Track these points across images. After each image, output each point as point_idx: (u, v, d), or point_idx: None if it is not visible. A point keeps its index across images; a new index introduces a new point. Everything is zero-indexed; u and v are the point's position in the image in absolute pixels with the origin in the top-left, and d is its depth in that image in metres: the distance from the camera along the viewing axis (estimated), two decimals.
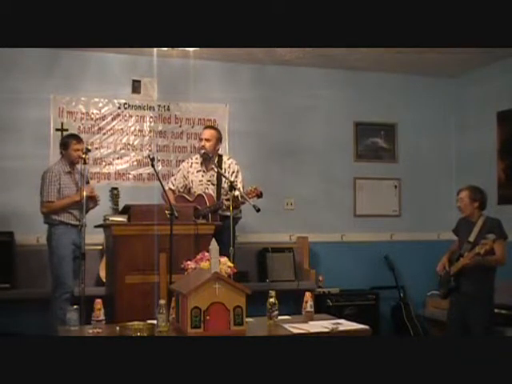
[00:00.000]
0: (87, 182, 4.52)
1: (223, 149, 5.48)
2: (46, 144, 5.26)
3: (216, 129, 4.97)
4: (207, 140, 4.76)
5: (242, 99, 5.85)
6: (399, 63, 5.94)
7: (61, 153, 4.60)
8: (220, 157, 4.83)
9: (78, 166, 4.57)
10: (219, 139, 4.83)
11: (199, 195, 4.67)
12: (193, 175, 4.83)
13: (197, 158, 4.89)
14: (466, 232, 4.21)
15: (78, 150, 4.51)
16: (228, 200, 4.36)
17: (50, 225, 4.49)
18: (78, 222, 4.49)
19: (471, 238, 4.12)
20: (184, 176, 4.87)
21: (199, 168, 4.83)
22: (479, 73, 6.13)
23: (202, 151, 4.77)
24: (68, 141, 4.57)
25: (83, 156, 4.39)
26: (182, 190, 4.85)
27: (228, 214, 4.45)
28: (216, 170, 4.68)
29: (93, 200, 4.53)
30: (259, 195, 4.25)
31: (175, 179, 4.93)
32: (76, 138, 4.64)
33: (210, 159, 4.74)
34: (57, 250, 4.41)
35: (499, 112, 5.81)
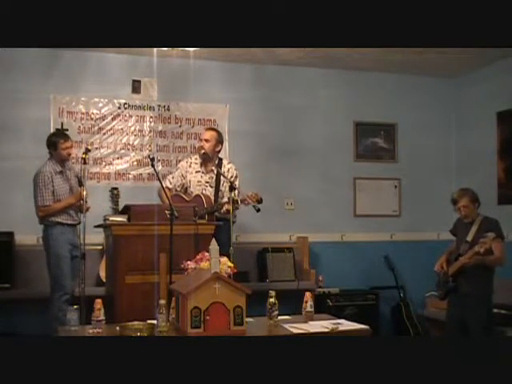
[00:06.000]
0: (80, 185, 4.48)
1: (223, 149, 5.47)
2: (45, 144, 5.26)
3: (217, 130, 4.97)
4: (207, 141, 4.77)
5: (242, 99, 5.85)
6: (399, 63, 5.94)
7: (49, 153, 4.57)
8: (220, 160, 4.83)
9: (68, 163, 4.66)
10: (219, 141, 4.82)
11: (197, 196, 4.67)
12: (191, 175, 4.83)
13: (196, 159, 4.89)
14: (463, 232, 4.19)
15: (67, 147, 4.54)
16: (227, 204, 4.37)
17: (45, 225, 4.48)
18: (74, 222, 4.50)
19: (469, 238, 4.10)
20: (182, 175, 4.86)
21: (198, 169, 4.83)
22: (479, 73, 6.13)
23: (202, 152, 4.78)
24: (56, 140, 4.55)
25: (83, 156, 4.41)
26: (179, 189, 4.84)
27: (224, 215, 4.48)
28: (215, 171, 4.70)
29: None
30: (259, 201, 4.26)
31: (173, 177, 4.92)
32: (63, 136, 4.65)
33: (210, 160, 4.74)
34: (54, 250, 4.41)
35: (499, 112, 5.80)
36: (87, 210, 4.44)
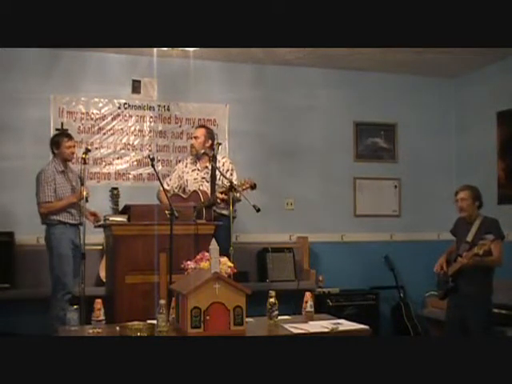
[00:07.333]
0: (82, 184, 4.50)
1: (224, 149, 5.48)
2: (45, 144, 5.21)
3: (205, 127, 5.03)
4: (196, 138, 4.85)
5: (242, 99, 5.85)
6: (399, 63, 5.94)
7: (53, 152, 4.62)
8: (214, 156, 4.85)
9: (71, 164, 4.70)
10: (208, 137, 4.85)
11: (194, 192, 4.72)
12: (188, 174, 4.88)
13: (191, 158, 4.94)
14: (463, 232, 4.18)
15: (70, 147, 4.59)
16: (222, 193, 4.39)
17: (48, 225, 4.49)
18: (76, 221, 4.51)
19: (469, 238, 4.09)
20: (179, 176, 4.91)
21: (194, 167, 4.88)
22: (479, 73, 6.13)
23: (193, 149, 4.84)
24: (59, 139, 4.61)
25: (83, 156, 4.41)
26: (176, 190, 4.88)
27: (223, 212, 4.53)
28: (210, 166, 4.74)
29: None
30: (253, 186, 4.26)
31: (170, 179, 4.98)
32: (66, 135, 4.71)
33: (201, 157, 4.79)
34: (56, 249, 4.42)
35: (499, 112, 5.80)
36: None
